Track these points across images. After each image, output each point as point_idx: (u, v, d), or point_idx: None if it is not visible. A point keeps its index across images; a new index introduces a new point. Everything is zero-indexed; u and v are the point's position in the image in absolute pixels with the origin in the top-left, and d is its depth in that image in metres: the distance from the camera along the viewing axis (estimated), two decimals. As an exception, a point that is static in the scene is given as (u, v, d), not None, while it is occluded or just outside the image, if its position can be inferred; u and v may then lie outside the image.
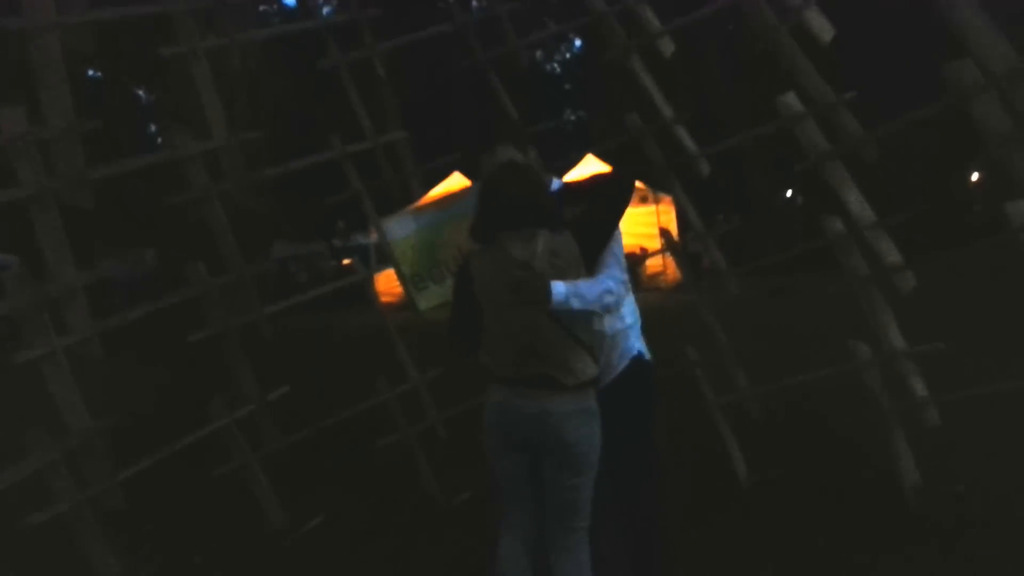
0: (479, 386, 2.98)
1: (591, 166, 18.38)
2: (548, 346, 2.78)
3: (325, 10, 27.38)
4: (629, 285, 3.18)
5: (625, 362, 3.23)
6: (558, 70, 40.11)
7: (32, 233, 3.94)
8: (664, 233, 5.89)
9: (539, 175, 2.97)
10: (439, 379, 5.08)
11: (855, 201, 4.54)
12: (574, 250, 2.81)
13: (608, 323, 3.16)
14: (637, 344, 3.29)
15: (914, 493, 4.29)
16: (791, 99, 4.66)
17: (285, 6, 35.58)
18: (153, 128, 30.45)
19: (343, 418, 4.88)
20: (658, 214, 18.00)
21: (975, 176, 27.97)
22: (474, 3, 22.04)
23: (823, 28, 4.54)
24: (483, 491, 4.08)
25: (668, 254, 6.56)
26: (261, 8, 30.61)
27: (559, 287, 2.72)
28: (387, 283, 11.56)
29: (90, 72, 21.45)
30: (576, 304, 2.78)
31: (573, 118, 39.29)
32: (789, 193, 31.85)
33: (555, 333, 2.77)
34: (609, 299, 2.90)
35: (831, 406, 5.75)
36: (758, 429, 5.11)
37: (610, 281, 2.89)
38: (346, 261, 25.88)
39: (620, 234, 3.24)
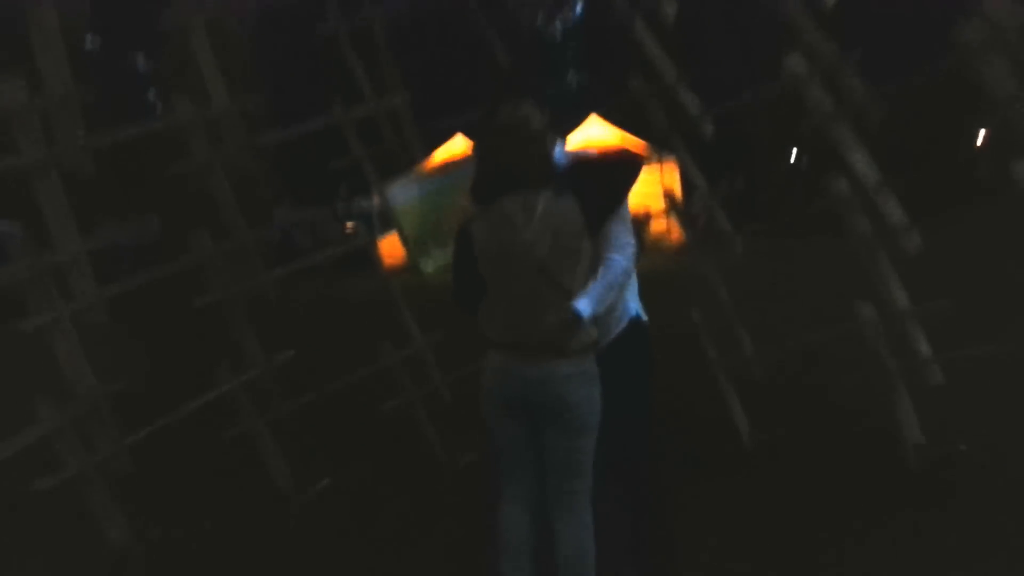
0: (483, 349, 2.98)
1: (594, 127, 18.33)
2: (549, 311, 2.76)
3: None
4: (636, 247, 3.18)
5: (623, 324, 3.22)
6: (560, 33, 39.66)
7: (35, 202, 3.95)
8: (668, 195, 5.88)
9: (540, 134, 2.86)
10: (443, 342, 5.11)
11: (860, 161, 4.50)
12: (577, 217, 2.75)
13: None
14: (634, 305, 3.28)
15: (916, 452, 4.31)
16: (796, 60, 4.61)
17: (284, -29, 35.21)
18: (153, 97, 30.26)
19: (348, 382, 4.90)
20: (662, 175, 17.91)
21: (981, 135, 27.73)
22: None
23: (827, -13, 4.48)
24: (487, 453, 4.11)
25: (672, 216, 6.54)
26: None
27: (584, 307, 2.74)
28: (390, 247, 11.57)
29: (88, 43, 21.29)
30: (603, 308, 2.85)
31: (576, 81, 38.94)
32: (794, 154, 31.64)
33: (556, 298, 2.75)
34: (624, 279, 2.95)
35: (835, 367, 5.75)
36: (761, 390, 5.13)
37: (618, 259, 2.87)
38: (349, 225, 25.87)
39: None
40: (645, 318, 3.30)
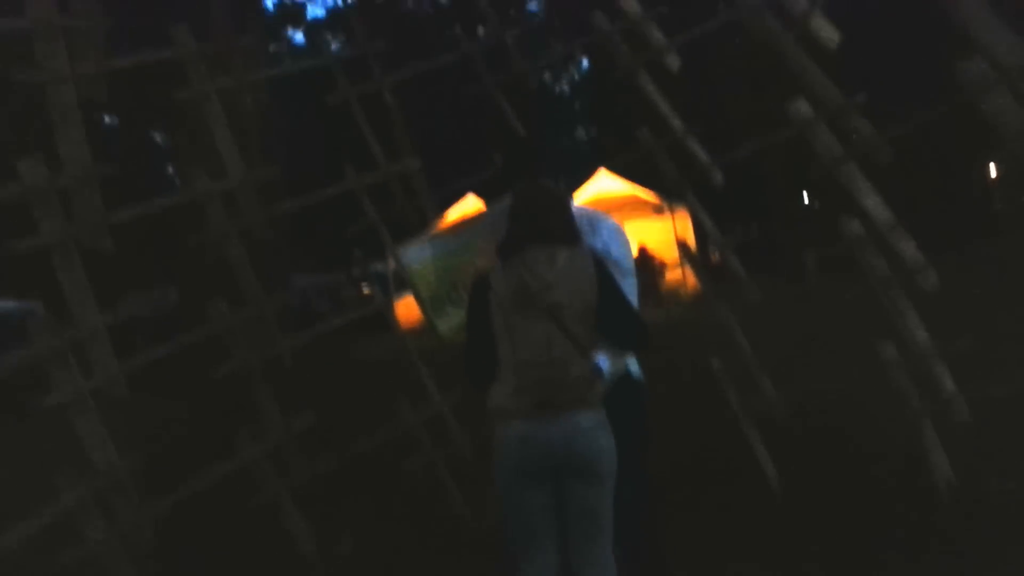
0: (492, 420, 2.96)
1: (604, 180, 18.48)
2: (567, 360, 2.79)
3: (333, 46, 27.69)
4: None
5: (613, 379, 3.17)
6: (567, 90, 40.26)
7: (54, 278, 4.01)
8: (681, 244, 5.88)
9: (564, 195, 3.15)
10: (462, 401, 5.08)
11: (872, 203, 4.52)
12: (591, 271, 2.88)
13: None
14: (627, 364, 3.26)
15: (947, 490, 4.23)
16: (801, 105, 4.65)
17: (295, 44, 36.10)
18: (171, 170, 30.83)
19: (369, 444, 4.87)
20: (675, 225, 18.00)
21: (993, 172, 27.74)
22: (480, 30, 22.21)
23: (829, 34, 4.54)
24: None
25: (687, 265, 6.54)
26: (271, 48, 31.06)
27: (604, 364, 2.90)
28: (406, 310, 11.61)
29: (107, 119, 21.81)
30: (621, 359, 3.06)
31: (585, 137, 39.41)
32: (806, 198, 31.69)
33: (570, 348, 2.79)
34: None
35: (858, 407, 5.69)
36: (785, 434, 5.07)
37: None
38: (366, 291, 26.04)
39: (628, 241, 3.31)
40: (637, 375, 3.28)
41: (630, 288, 3.22)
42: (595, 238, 3.26)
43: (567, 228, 2.95)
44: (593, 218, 3.36)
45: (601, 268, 2.91)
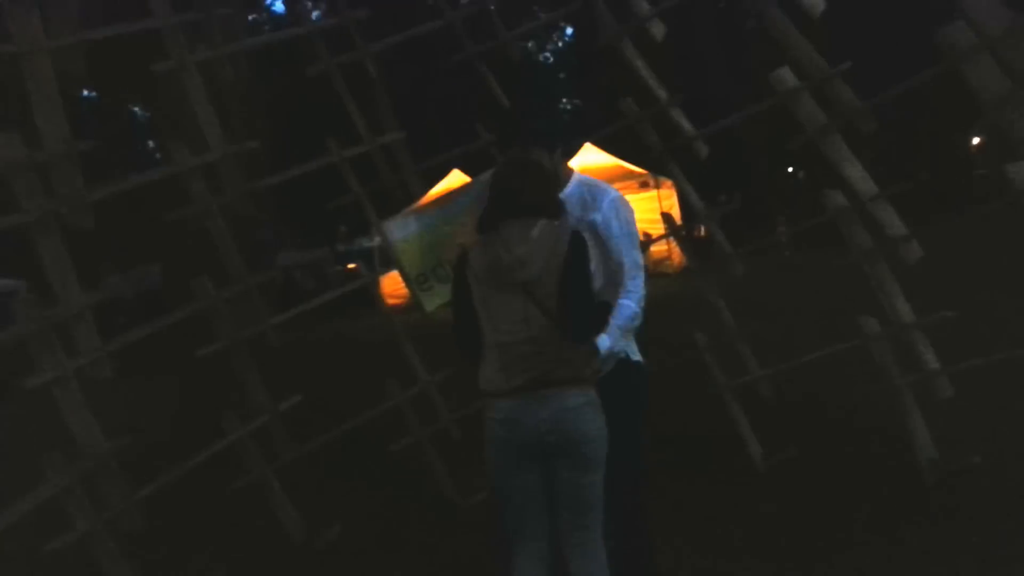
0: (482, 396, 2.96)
1: (590, 154, 18.42)
2: (546, 338, 2.76)
3: (315, 14, 27.33)
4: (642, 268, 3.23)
5: (613, 363, 3.14)
6: (551, 59, 39.98)
7: (36, 256, 3.95)
8: (667, 218, 5.87)
9: (549, 172, 3.05)
10: (450, 379, 5.08)
11: (855, 174, 4.51)
12: (564, 248, 2.80)
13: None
14: (629, 348, 3.24)
15: (930, 467, 4.28)
16: (785, 74, 4.63)
17: (274, 13, 35.62)
18: (152, 144, 30.51)
19: (356, 424, 4.87)
20: (659, 199, 17.99)
21: (976, 140, 27.84)
22: (462, -2, 22.02)
23: (813, 2, 4.51)
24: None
25: (672, 239, 6.54)
26: (251, 17, 30.60)
27: (603, 343, 2.91)
28: (393, 286, 11.57)
29: (84, 92, 21.50)
30: (622, 341, 3.07)
31: (569, 107, 39.19)
32: (790, 169, 31.77)
33: (549, 323, 2.75)
34: (634, 323, 3.14)
35: (842, 382, 5.73)
36: (770, 410, 5.11)
37: (629, 303, 3.11)
38: (351, 266, 25.94)
39: (632, 212, 3.26)
40: (637, 358, 3.26)
41: (633, 262, 3.18)
42: (595, 212, 3.20)
43: (546, 201, 2.89)
44: (595, 189, 3.28)
45: (576, 248, 2.82)
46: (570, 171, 3.34)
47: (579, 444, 2.78)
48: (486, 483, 3.14)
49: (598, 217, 3.20)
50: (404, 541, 4.61)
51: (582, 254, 2.84)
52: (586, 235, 3.00)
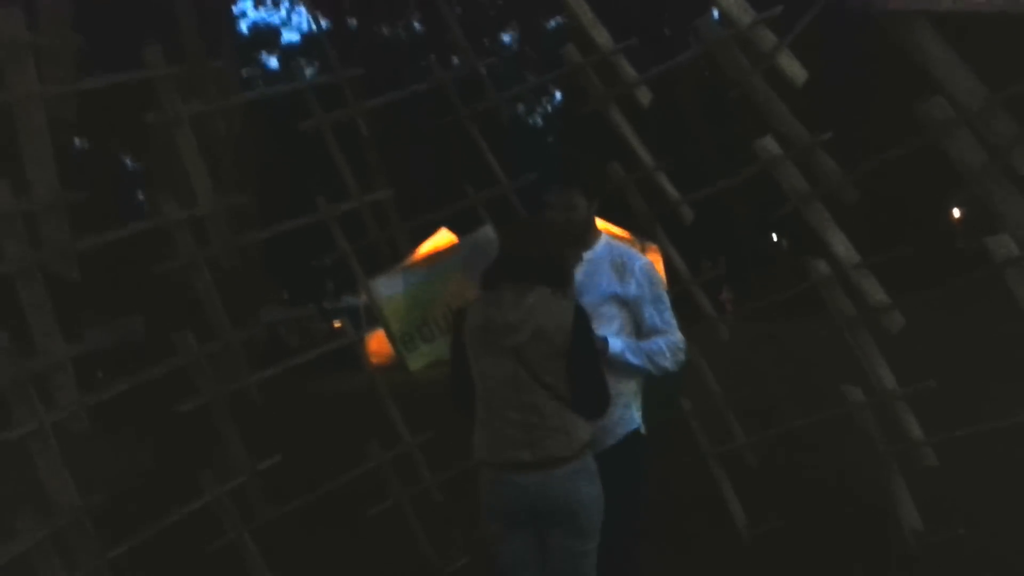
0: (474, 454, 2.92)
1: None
2: (536, 405, 2.73)
3: (308, 72, 27.69)
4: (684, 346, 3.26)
5: (622, 433, 3.15)
6: (540, 122, 40.59)
7: (17, 304, 3.91)
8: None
9: (559, 237, 3.05)
10: (433, 441, 5.01)
11: (839, 242, 4.56)
12: (566, 318, 2.78)
13: (618, 380, 3.09)
14: (637, 417, 3.24)
15: (915, 537, 4.24)
16: (768, 142, 4.71)
17: (268, 69, 36.08)
18: (141, 196, 30.53)
19: (336, 486, 4.78)
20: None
21: (956, 212, 28.28)
22: (455, 60, 22.42)
23: (796, 72, 4.61)
24: (482, 555, 4.01)
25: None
26: (244, 72, 31.00)
27: (614, 343, 3.00)
28: (378, 344, 11.49)
29: (76, 141, 21.57)
30: (632, 359, 3.09)
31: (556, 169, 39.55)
32: (774, 237, 32.10)
33: (540, 390, 2.73)
34: (664, 362, 3.16)
35: (827, 451, 5.71)
36: (755, 476, 5.07)
37: (661, 343, 3.16)
38: (337, 324, 25.84)
39: (659, 277, 3.28)
40: (637, 426, 3.26)
41: (666, 323, 3.22)
42: (625, 284, 3.20)
43: (551, 270, 2.87)
44: (624, 257, 3.28)
45: (580, 321, 2.81)
46: (599, 230, 3.36)
47: (571, 512, 2.74)
48: (467, 546, 3.10)
49: (630, 288, 3.20)
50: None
51: (587, 327, 2.83)
52: (617, 305, 3.04)
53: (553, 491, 2.73)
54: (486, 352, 2.81)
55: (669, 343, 3.17)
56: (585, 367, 2.79)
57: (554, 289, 2.84)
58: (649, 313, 3.19)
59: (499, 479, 2.79)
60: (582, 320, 2.81)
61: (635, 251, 3.36)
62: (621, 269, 3.22)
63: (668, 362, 3.17)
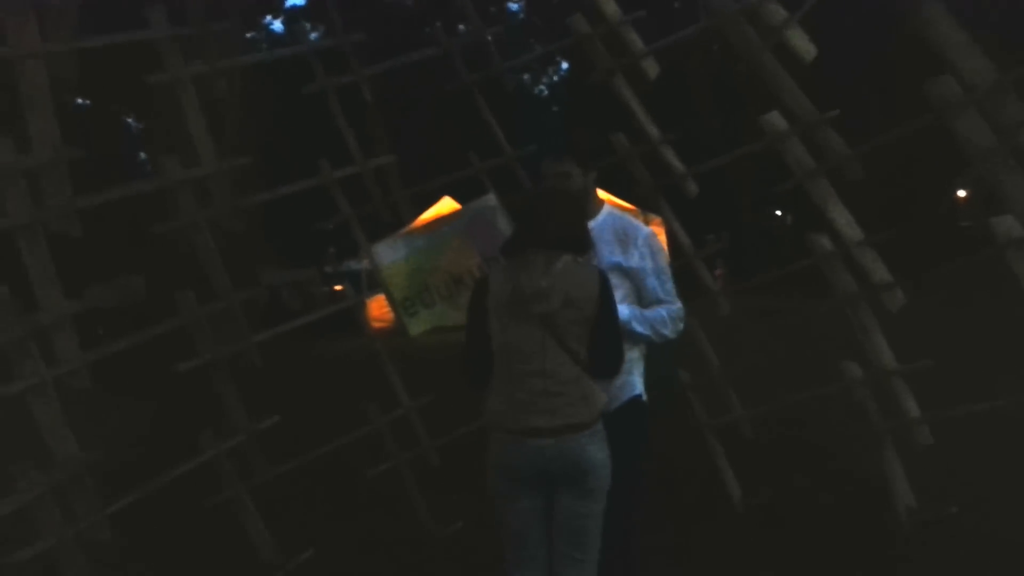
0: (472, 413, 2.95)
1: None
2: (561, 372, 2.76)
3: (312, 35, 27.42)
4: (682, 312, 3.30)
5: (624, 398, 3.20)
6: (545, 92, 40.31)
7: (20, 262, 3.92)
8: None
9: (581, 206, 3.10)
10: (431, 405, 5.04)
11: (842, 219, 4.55)
12: (592, 287, 2.82)
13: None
14: (639, 383, 3.28)
15: (908, 514, 4.27)
16: (775, 118, 4.68)
17: (272, 32, 35.77)
18: (143, 156, 30.45)
19: (334, 447, 4.81)
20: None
21: (962, 192, 28.18)
22: (460, 27, 22.22)
23: (805, 47, 4.57)
24: (477, 520, 4.05)
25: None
26: (248, 34, 30.72)
27: (623, 310, 3.00)
28: (379, 309, 11.53)
29: (79, 100, 21.46)
30: (638, 328, 3.13)
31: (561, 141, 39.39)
32: (778, 212, 32.04)
33: (565, 357, 2.77)
34: (665, 330, 3.21)
35: (823, 426, 5.75)
36: (751, 449, 5.10)
37: (663, 312, 3.22)
38: (338, 287, 25.84)
39: (663, 247, 3.30)
40: (645, 398, 3.30)
41: (668, 293, 3.28)
42: (628, 254, 3.24)
43: (573, 236, 2.91)
44: (627, 227, 3.32)
45: (605, 289, 2.85)
46: (600, 200, 3.37)
47: (586, 473, 2.78)
48: (463, 511, 3.12)
49: (634, 259, 3.24)
50: (377, 568, 4.56)
51: (611, 294, 2.88)
52: (619, 275, 3.05)
53: (568, 455, 2.77)
54: (512, 319, 2.81)
55: (671, 312, 3.23)
56: (608, 332, 2.86)
57: (575, 256, 2.88)
58: (652, 284, 3.24)
59: (514, 441, 2.81)
60: (607, 288, 2.86)
61: (638, 222, 3.38)
62: (624, 239, 3.25)
63: (669, 330, 3.26)
